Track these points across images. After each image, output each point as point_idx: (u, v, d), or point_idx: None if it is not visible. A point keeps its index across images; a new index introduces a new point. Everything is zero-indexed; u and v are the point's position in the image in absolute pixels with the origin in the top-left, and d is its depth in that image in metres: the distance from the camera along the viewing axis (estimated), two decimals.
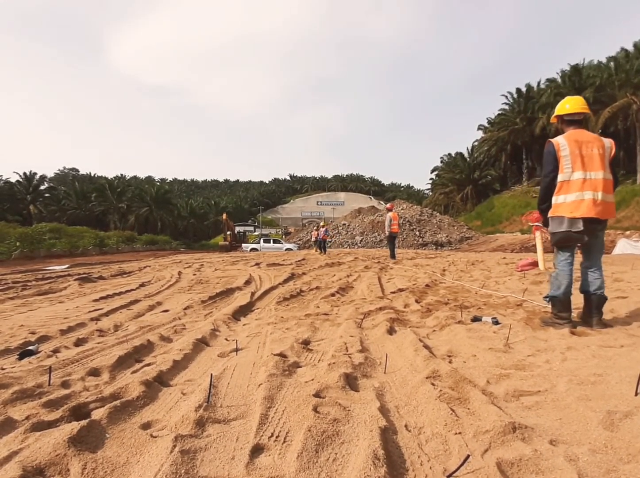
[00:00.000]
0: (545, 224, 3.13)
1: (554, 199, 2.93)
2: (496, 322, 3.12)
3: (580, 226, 2.79)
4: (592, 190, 2.79)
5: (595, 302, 2.93)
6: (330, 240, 34.65)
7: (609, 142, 2.94)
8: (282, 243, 33.87)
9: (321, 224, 22.43)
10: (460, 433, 1.45)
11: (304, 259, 12.99)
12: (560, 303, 2.95)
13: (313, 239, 30.79)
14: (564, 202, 2.87)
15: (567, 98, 3.08)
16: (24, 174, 53.70)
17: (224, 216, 36.98)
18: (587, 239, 2.86)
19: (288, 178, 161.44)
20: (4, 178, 53.32)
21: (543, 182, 3.02)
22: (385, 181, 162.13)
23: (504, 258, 12.00)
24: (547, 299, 3.08)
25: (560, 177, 2.88)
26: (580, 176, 2.81)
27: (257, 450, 1.37)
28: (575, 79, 42.56)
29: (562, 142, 2.87)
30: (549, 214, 3.00)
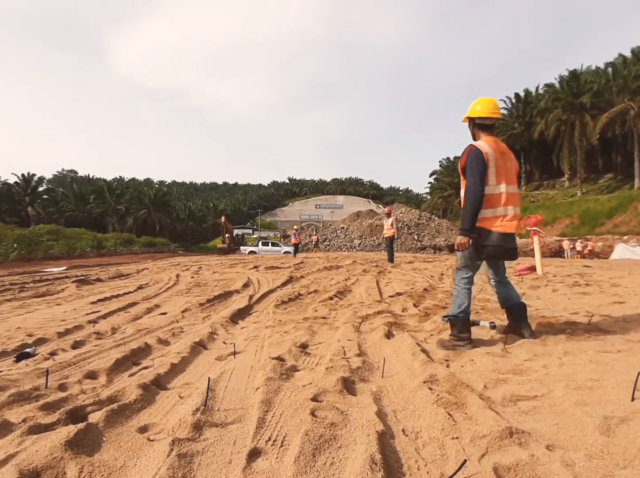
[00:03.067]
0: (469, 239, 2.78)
1: (485, 213, 2.68)
2: (493, 327, 3.12)
3: (513, 242, 2.71)
4: (513, 205, 2.68)
5: (520, 313, 2.88)
6: (328, 243, 34.63)
7: (513, 155, 2.85)
8: (280, 246, 33.87)
9: (294, 227, 22.42)
10: (457, 438, 1.45)
11: (302, 262, 12.99)
12: (461, 323, 2.70)
13: (313, 242, 30.88)
14: (490, 216, 2.67)
15: (479, 99, 2.83)
16: (22, 175, 53.69)
17: (223, 219, 36.95)
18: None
19: (287, 181, 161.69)
20: (2, 179, 53.31)
21: (474, 193, 2.65)
22: (384, 185, 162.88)
23: None
24: (446, 319, 2.81)
25: (486, 190, 2.65)
26: (504, 190, 2.65)
27: (254, 454, 1.37)
28: (573, 84, 42.83)
29: (488, 151, 2.65)
30: (477, 225, 2.70)
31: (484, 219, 2.68)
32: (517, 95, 54.08)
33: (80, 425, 1.48)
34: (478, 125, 2.81)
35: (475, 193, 2.64)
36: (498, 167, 2.66)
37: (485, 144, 2.71)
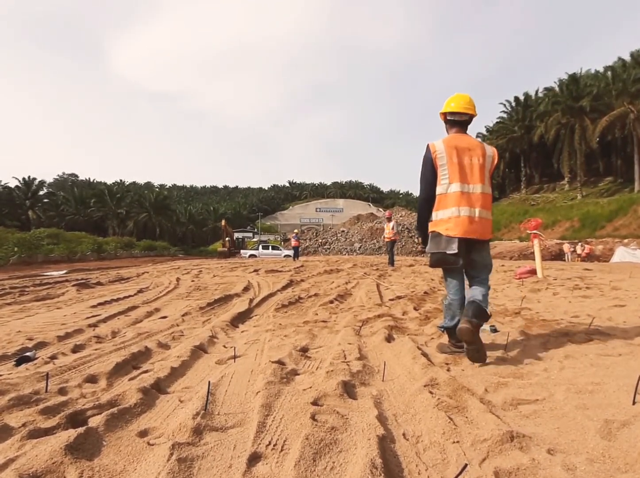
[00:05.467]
0: (425, 242, 2.73)
1: (435, 216, 2.58)
2: (494, 330, 3.12)
3: (455, 248, 2.43)
4: (469, 206, 2.46)
5: (471, 310, 2.45)
6: (329, 247, 34.64)
7: (491, 150, 2.62)
8: (280, 249, 33.86)
9: (294, 230, 22.51)
10: (458, 441, 1.44)
11: (302, 266, 12.98)
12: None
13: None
14: (442, 218, 2.53)
15: (455, 95, 2.71)
16: (23, 179, 53.87)
17: (223, 222, 37.03)
18: (461, 262, 2.48)
19: (287, 184, 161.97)
20: (3, 183, 53.43)
21: (419, 198, 2.70)
22: (384, 188, 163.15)
23: (503, 265, 12.01)
24: (442, 329, 2.74)
25: (437, 190, 2.55)
26: (457, 189, 2.48)
27: (254, 458, 1.36)
28: (573, 87, 42.97)
29: (439, 149, 2.53)
30: (429, 230, 2.63)
31: (436, 221, 2.56)
32: (516, 98, 54.26)
33: (80, 430, 1.48)
34: (449, 122, 2.68)
35: (420, 196, 2.69)
36: (451, 164, 2.49)
37: (442, 141, 2.58)
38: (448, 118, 2.69)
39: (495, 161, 2.62)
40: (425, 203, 2.64)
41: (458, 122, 2.65)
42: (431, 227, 2.60)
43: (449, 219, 2.49)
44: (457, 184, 2.49)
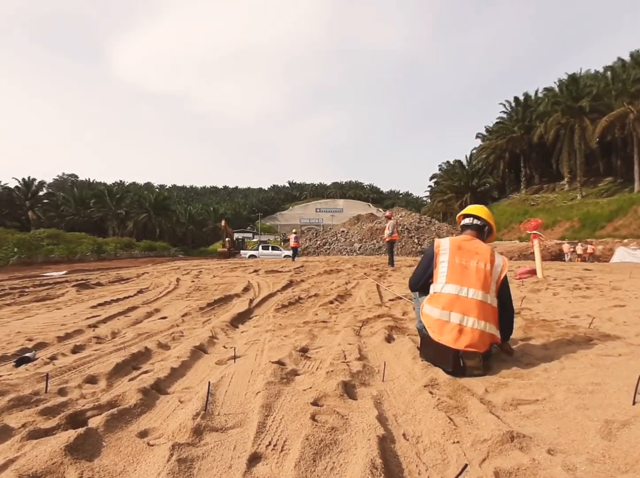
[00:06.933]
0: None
1: (424, 308, 2.41)
2: None
3: (449, 364, 2.16)
4: (462, 313, 2.23)
5: None
6: (329, 247, 34.66)
7: (501, 259, 2.40)
8: (280, 250, 33.83)
9: (293, 230, 22.41)
10: (458, 442, 1.44)
11: (302, 266, 12.97)
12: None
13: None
14: (429, 314, 2.33)
15: (470, 207, 2.72)
16: (23, 179, 53.86)
17: (223, 223, 37.00)
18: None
19: (287, 185, 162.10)
20: (3, 183, 53.43)
21: (414, 278, 2.64)
22: (384, 188, 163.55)
23: None
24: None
25: (432, 288, 2.40)
26: (453, 291, 2.29)
27: (254, 458, 1.36)
28: (573, 88, 42.98)
29: (443, 245, 2.45)
30: (421, 318, 2.44)
31: (425, 315, 2.38)
32: (516, 99, 54.32)
33: (80, 430, 1.48)
34: (462, 226, 2.66)
35: (410, 279, 2.70)
36: (452, 264, 2.36)
37: (448, 238, 2.54)
38: (461, 223, 2.66)
39: (504, 271, 2.38)
40: (412, 285, 2.67)
41: (468, 226, 2.60)
42: (422, 318, 2.41)
43: (437, 320, 2.28)
44: (453, 286, 2.30)
